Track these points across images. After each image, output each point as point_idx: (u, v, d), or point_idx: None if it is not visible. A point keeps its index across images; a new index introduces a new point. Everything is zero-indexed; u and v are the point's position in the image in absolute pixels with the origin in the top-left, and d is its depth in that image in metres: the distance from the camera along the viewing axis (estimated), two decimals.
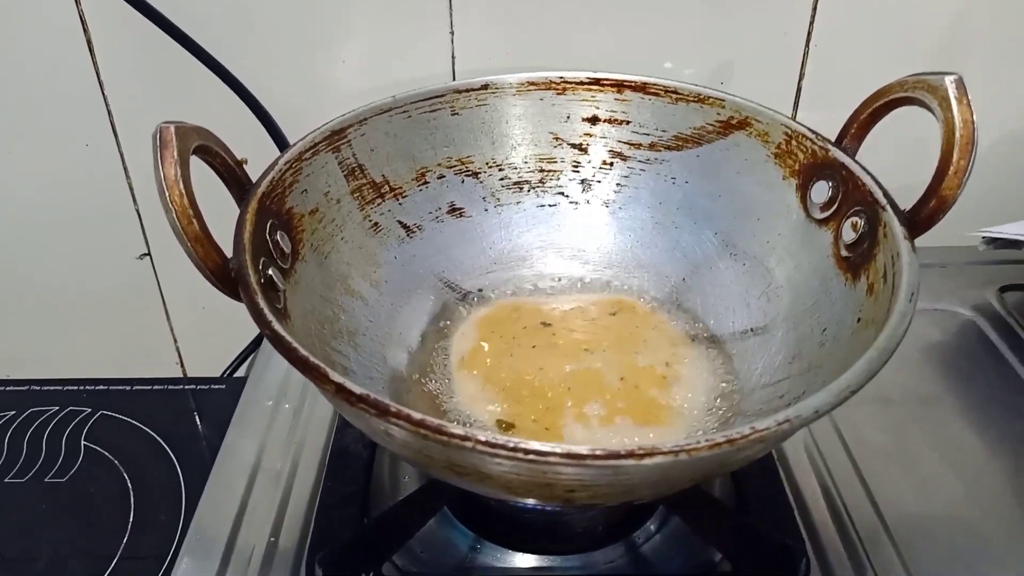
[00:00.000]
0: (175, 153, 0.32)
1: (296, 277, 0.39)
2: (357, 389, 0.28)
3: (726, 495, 0.43)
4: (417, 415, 0.27)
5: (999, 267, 0.59)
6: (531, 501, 0.40)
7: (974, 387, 0.51)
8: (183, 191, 0.32)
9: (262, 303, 0.31)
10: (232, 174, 0.37)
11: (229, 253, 0.35)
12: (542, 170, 0.51)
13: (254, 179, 0.39)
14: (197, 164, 0.34)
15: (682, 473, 0.29)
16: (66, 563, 0.49)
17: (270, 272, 0.36)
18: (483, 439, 0.26)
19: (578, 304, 0.48)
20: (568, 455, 0.26)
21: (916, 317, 0.57)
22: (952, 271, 0.59)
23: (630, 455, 0.26)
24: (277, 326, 0.30)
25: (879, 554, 0.39)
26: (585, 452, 0.26)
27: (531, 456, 0.26)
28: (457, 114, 0.48)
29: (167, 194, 0.31)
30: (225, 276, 0.33)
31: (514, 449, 0.26)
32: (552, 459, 0.26)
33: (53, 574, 0.48)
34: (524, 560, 0.39)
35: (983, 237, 0.53)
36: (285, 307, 0.36)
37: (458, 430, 0.26)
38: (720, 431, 0.26)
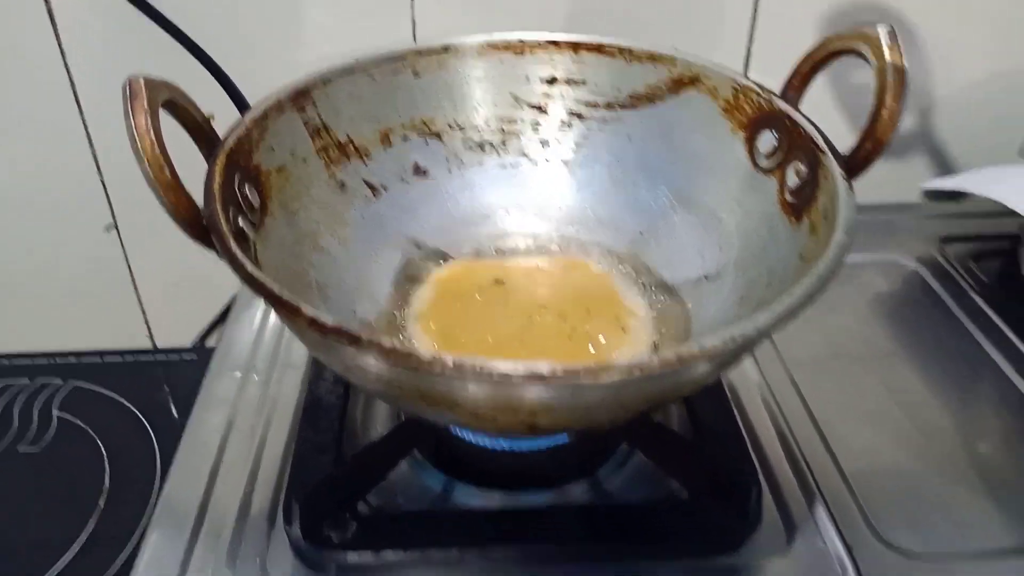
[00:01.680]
0: (145, 104, 0.33)
1: (266, 231, 0.40)
2: (330, 321, 0.29)
3: (685, 433, 0.45)
4: (388, 342, 0.28)
5: (941, 220, 0.62)
6: (502, 441, 0.42)
7: (919, 333, 0.54)
8: (154, 140, 0.33)
9: (234, 246, 0.33)
10: (200, 130, 0.38)
11: (201, 205, 0.36)
12: (503, 131, 0.52)
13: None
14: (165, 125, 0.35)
15: (637, 393, 0.31)
16: (43, 527, 0.50)
17: (240, 223, 0.37)
18: (451, 363, 0.28)
19: (536, 263, 0.50)
20: (531, 374, 0.28)
21: (863, 269, 0.60)
22: (897, 225, 0.62)
23: (587, 372, 0.28)
24: (251, 267, 0.32)
25: (829, 484, 0.41)
26: (546, 371, 0.28)
27: (496, 377, 0.28)
28: (419, 76, 0.49)
29: (139, 142, 0.32)
30: (197, 224, 0.34)
31: (481, 370, 0.28)
32: (515, 378, 0.28)
33: (31, 539, 0.49)
34: (495, 498, 0.41)
35: (924, 190, 0.56)
36: (256, 258, 0.37)
37: (427, 355, 0.28)
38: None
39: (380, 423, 0.46)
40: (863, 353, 0.52)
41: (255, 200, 0.40)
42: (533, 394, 0.29)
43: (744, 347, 0.30)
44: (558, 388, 0.29)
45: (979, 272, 0.57)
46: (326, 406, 0.43)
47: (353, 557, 0.36)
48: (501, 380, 0.28)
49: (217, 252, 0.34)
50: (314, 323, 0.29)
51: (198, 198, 0.36)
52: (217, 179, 0.36)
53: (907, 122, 0.63)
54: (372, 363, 0.30)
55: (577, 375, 0.28)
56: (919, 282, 0.58)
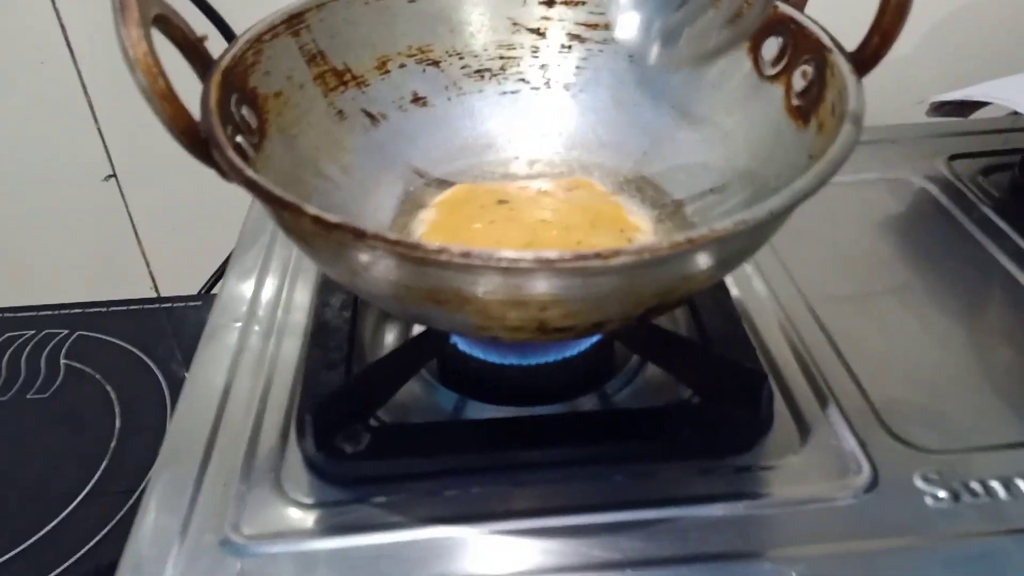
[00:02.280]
0: (136, 14, 0.32)
1: (265, 153, 0.39)
2: (333, 217, 0.29)
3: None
4: (393, 236, 0.28)
5: (947, 138, 0.62)
6: (511, 357, 0.42)
7: (929, 246, 0.53)
8: (148, 49, 0.32)
9: (233, 155, 0.32)
10: (194, 49, 0.38)
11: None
12: (502, 57, 0.51)
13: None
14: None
15: (646, 281, 0.30)
16: (57, 469, 0.50)
17: (238, 140, 0.36)
18: (458, 251, 0.27)
19: (540, 185, 0.49)
20: (539, 259, 0.27)
21: (871, 186, 0.59)
22: (904, 144, 0.61)
23: (597, 256, 0.27)
24: (250, 172, 0.31)
25: (840, 386, 0.41)
26: (555, 256, 0.27)
27: (504, 263, 0.27)
28: (414, 1, 0.49)
29: (131, 52, 0.32)
30: (195, 136, 0.34)
31: (488, 257, 0.27)
32: (523, 264, 0.27)
33: (45, 480, 0.49)
34: (506, 412, 0.41)
35: (930, 103, 0.55)
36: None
37: (434, 245, 0.28)
38: None
39: (390, 345, 0.45)
40: (873, 265, 0.51)
41: (253, 122, 0.39)
42: (543, 286, 0.29)
43: (755, 232, 0.30)
44: (568, 276, 0.28)
45: (988, 187, 0.57)
46: (334, 328, 0.43)
47: (368, 468, 0.36)
48: (510, 267, 0.27)
49: (215, 167, 0.33)
50: (318, 220, 0.29)
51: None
52: (213, 95, 0.36)
53: (913, 38, 0.62)
54: (378, 260, 0.30)
55: (587, 259, 0.27)
56: (928, 199, 0.57)
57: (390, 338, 0.47)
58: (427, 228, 0.45)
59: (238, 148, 0.36)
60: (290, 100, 0.44)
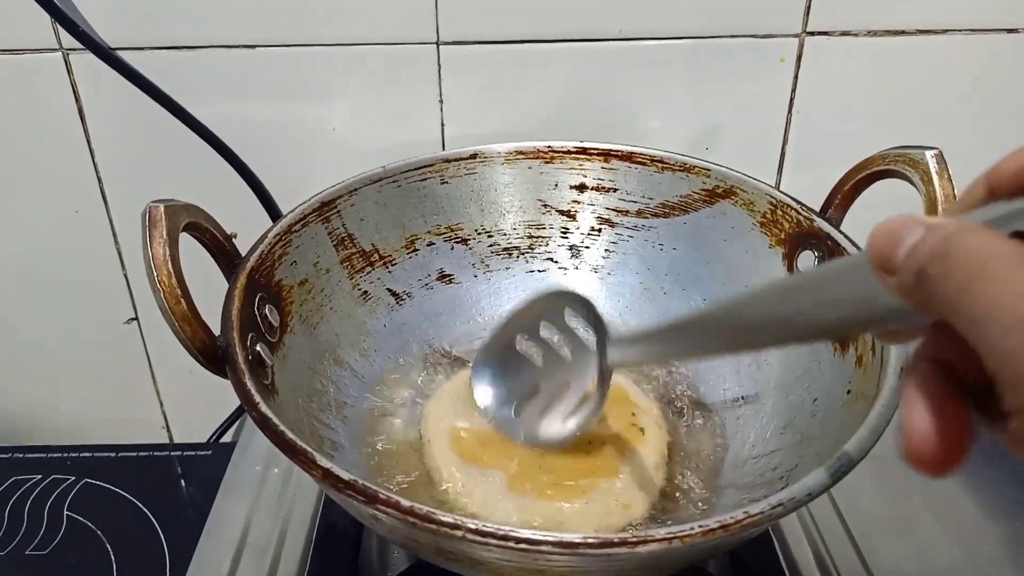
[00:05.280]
0: (164, 232, 0.32)
1: (284, 351, 0.39)
2: (345, 475, 0.27)
3: (721, 565, 0.42)
4: (406, 502, 0.27)
5: None
6: None
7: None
8: (171, 271, 0.32)
9: (249, 384, 0.31)
10: (221, 249, 0.37)
11: (216, 328, 0.35)
12: (531, 236, 0.51)
13: (244, 252, 0.39)
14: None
15: (675, 558, 0.28)
16: None
17: (258, 348, 0.36)
18: (472, 527, 0.26)
19: None
20: (560, 543, 0.25)
21: None
22: None
23: (623, 543, 0.25)
24: (264, 408, 0.30)
25: None
26: (578, 540, 0.25)
27: (522, 545, 0.25)
28: (446, 182, 0.49)
29: (155, 274, 0.31)
30: (212, 354, 0.33)
31: (504, 537, 0.26)
32: (544, 547, 0.25)
33: None
34: None
35: None
36: (273, 383, 0.36)
37: (447, 518, 0.26)
38: (714, 516, 0.26)
39: (396, 548, 0.43)
40: (907, 467, 0.49)
41: (275, 320, 0.39)
42: (563, 560, 0.27)
43: (792, 511, 0.28)
44: (591, 560, 0.27)
45: None
46: (340, 532, 0.41)
47: None
48: (528, 548, 0.26)
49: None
50: (329, 475, 0.28)
51: (215, 315, 0.35)
52: (236, 303, 0.35)
53: None
54: (388, 519, 0.28)
55: (612, 545, 0.25)
56: None
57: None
58: (443, 427, 0.43)
59: (256, 360, 0.35)
60: (315, 286, 0.43)
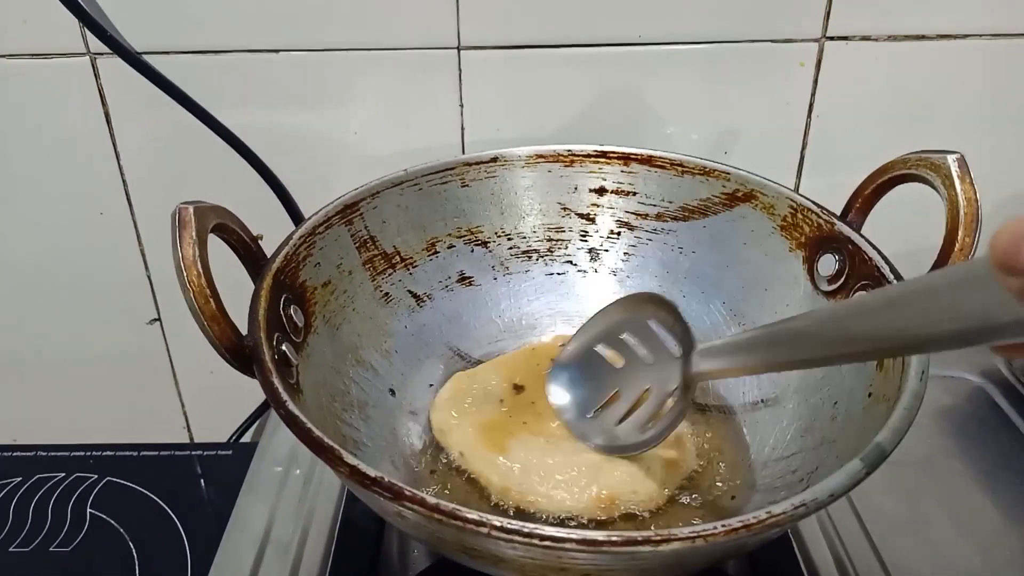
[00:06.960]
0: (193, 233, 0.33)
1: (308, 351, 0.39)
2: (371, 472, 0.28)
3: (739, 567, 0.42)
4: (432, 500, 0.27)
5: None
6: None
7: (985, 452, 0.51)
8: (200, 271, 0.32)
9: (276, 382, 0.32)
10: (248, 250, 0.38)
11: (243, 328, 0.35)
12: (551, 239, 0.51)
13: (268, 254, 0.40)
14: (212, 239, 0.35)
15: (698, 557, 0.29)
16: None
17: (284, 348, 0.36)
18: (497, 524, 0.26)
19: None
20: (584, 541, 0.26)
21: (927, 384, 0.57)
22: None
23: (647, 541, 0.26)
24: (291, 406, 0.30)
25: None
26: (602, 538, 0.26)
27: (546, 542, 0.26)
28: (467, 186, 0.49)
29: (185, 274, 0.32)
30: (240, 353, 0.33)
31: (529, 535, 0.26)
32: (568, 545, 0.26)
33: None
34: None
35: None
36: (298, 382, 0.36)
37: (472, 515, 0.26)
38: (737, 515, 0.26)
39: (417, 547, 0.44)
40: (926, 471, 0.49)
41: (299, 320, 0.39)
42: (586, 558, 0.27)
43: (814, 511, 0.28)
44: (614, 557, 0.27)
45: None
46: (362, 529, 0.42)
47: None
48: (552, 546, 0.26)
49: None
50: (355, 472, 0.28)
51: (242, 315, 0.36)
52: (263, 303, 0.36)
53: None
54: (413, 516, 0.28)
55: (636, 544, 0.26)
56: (985, 398, 0.55)
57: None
58: (468, 425, 0.43)
59: (282, 359, 0.35)
60: (337, 288, 0.44)
